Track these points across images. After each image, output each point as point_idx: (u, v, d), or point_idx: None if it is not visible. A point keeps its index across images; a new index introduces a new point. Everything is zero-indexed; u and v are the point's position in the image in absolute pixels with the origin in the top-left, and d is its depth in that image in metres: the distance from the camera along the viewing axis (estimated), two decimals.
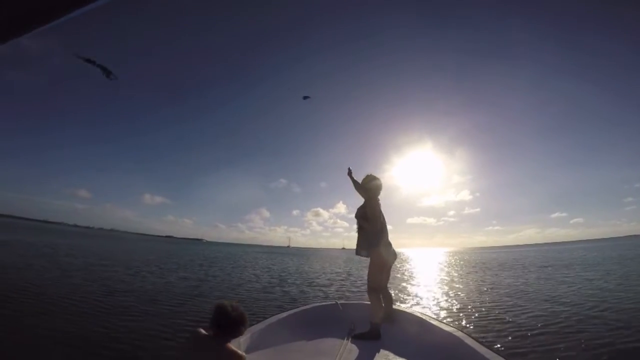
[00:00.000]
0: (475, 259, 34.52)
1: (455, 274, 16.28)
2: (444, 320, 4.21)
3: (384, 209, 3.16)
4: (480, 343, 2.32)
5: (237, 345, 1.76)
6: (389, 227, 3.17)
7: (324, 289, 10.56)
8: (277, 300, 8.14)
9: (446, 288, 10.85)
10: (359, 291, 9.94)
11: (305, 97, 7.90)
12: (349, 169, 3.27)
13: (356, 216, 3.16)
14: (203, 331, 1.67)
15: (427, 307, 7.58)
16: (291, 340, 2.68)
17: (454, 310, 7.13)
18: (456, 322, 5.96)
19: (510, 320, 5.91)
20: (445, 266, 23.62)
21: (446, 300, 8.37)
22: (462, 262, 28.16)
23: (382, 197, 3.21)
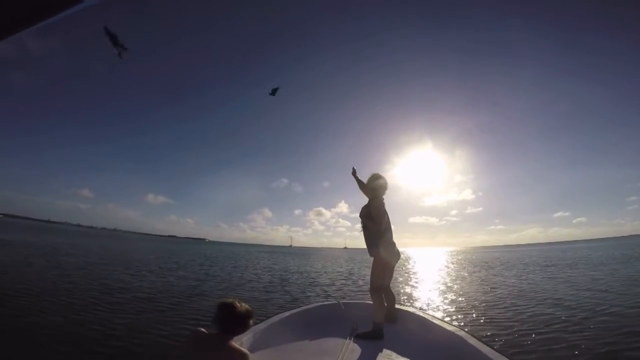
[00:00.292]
0: (478, 258, 34.35)
1: (458, 274, 16.21)
2: (447, 320, 4.19)
3: (387, 208, 3.15)
4: (484, 342, 2.30)
5: (239, 344, 1.75)
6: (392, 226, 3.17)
7: (325, 288, 10.55)
8: (279, 299, 8.14)
9: (448, 287, 10.81)
10: (360, 291, 9.93)
11: (273, 91, 6.02)
12: (353, 168, 3.26)
13: (361, 215, 3.15)
14: (204, 330, 1.67)
15: (429, 307, 7.55)
16: (293, 340, 2.67)
17: (457, 309, 7.09)
18: (459, 322, 5.92)
19: (514, 319, 5.87)
20: (447, 266, 23.54)
21: (449, 300, 8.33)
22: (464, 262, 28.04)
23: (385, 197, 3.20)
